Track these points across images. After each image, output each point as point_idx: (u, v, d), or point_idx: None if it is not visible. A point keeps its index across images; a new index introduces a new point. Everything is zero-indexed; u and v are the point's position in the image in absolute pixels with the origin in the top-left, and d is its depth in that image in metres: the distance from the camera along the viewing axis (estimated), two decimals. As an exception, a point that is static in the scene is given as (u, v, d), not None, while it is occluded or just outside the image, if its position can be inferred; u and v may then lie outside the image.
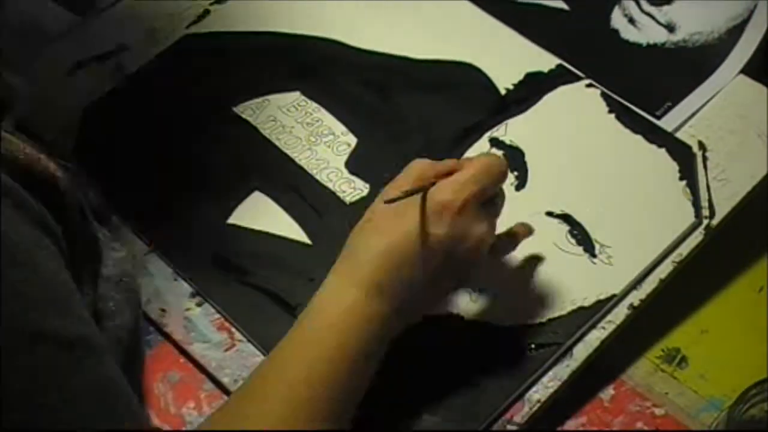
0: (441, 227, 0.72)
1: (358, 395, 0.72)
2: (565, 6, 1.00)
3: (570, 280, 0.82)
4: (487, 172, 0.74)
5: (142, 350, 0.83)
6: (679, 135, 0.90)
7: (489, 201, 0.75)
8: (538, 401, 0.78)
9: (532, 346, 0.80)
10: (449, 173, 0.74)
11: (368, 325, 0.71)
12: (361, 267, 0.72)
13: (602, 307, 0.81)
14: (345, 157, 0.91)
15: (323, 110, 0.95)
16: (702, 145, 0.89)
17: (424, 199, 0.72)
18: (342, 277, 0.73)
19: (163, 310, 0.86)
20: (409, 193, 0.71)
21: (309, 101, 0.95)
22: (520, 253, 0.83)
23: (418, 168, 0.74)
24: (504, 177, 0.75)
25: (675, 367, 0.82)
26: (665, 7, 0.98)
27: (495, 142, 0.91)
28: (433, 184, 0.73)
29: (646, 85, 0.93)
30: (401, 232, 0.72)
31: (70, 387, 0.61)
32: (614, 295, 0.81)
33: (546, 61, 0.95)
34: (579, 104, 0.92)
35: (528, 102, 0.93)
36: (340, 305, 0.71)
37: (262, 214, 0.89)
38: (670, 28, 0.96)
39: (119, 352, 0.74)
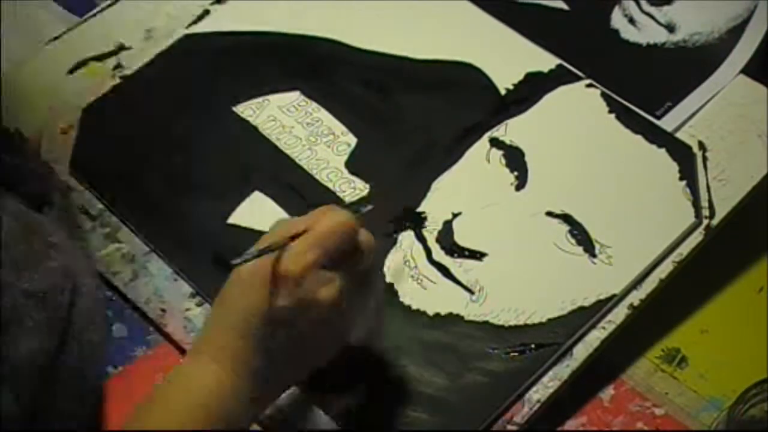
0: (282, 299, 0.69)
1: None
2: (565, 6, 1.00)
3: (570, 280, 0.82)
4: (332, 233, 0.70)
5: (94, 376, 0.80)
6: (679, 135, 0.90)
7: (346, 258, 0.71)
8: (538, 401, 0.78)
9: (532, 346, 0.80)
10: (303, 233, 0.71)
11: (227, 396, 0.70)
12: (213, 340, 0.71)
13: (602, 307, 0.81)
14: (345, 157, 0.91)
15: (323, 110, 0.95)
16: (702, 145, 0.89)
17: (276, 262, 0.69)
18: (197, 354, 0.71)
19: (163, 310, 0.86)
20: (254, 256, 0.69)
21: (309, 101, 0.95)
22: (520, 253, 0.83)
23: (276, 231, 0.72)
24: (352, 234, 0.71)
25: (675, 367, 0.82)
26: (665, 7, 0.98)
27: (495, 142, 0.91)
28: (290, 242, 0.70)
29: (646, 85, 0.93)
30: (244, 304, 0.70)
31: None
32: (614, 295, 0.81)
33: (546, 61, 0.95)
34: (579, 104, 0.92)
35: (528, 102, 0.93)
36: (199, 378, 0.70)
37: (262, 214, 0.89)
38: (670, 28, 0.96)
39: (28, 376, 0.71)
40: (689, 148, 0.89)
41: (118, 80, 0.99)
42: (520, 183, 0.88)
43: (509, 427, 0.78)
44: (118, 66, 1.00)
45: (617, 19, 0.98)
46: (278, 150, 0.92)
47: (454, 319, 0.82)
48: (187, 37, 1.02)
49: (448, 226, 0.86)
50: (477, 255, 0.84)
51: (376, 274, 0.76)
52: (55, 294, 0.75)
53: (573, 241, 0.84)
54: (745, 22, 0.95)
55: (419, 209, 0.87)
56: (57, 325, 0.75)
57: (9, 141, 0.72)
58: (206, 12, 1.04)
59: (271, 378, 0.72)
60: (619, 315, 0.81)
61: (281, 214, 0.89)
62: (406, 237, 0.86)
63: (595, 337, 0.80)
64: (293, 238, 0.70)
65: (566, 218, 0.85)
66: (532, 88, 0.94)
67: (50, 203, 0.86)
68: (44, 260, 0.77)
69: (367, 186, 0.89)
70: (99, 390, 0.81)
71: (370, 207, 0.77)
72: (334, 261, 0.71)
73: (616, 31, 0.98)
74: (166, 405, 0.70)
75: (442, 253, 0.85)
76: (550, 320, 0.81)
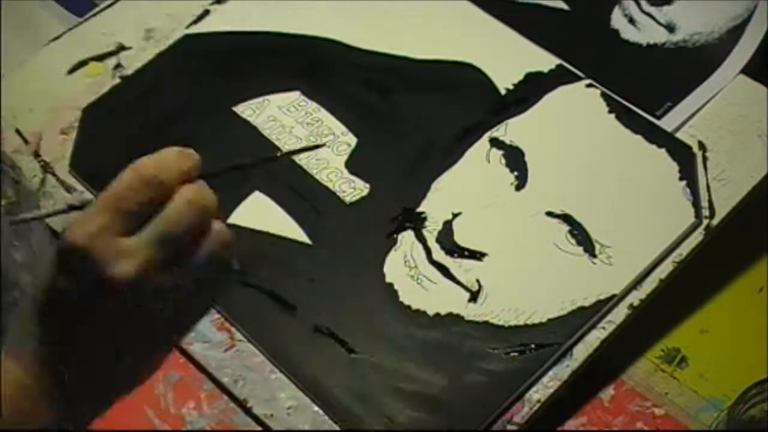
0: (67, 278, 0.56)
1: None
2: (565, 6, 1.00)
3: (570, 280, 0.82)
4: (125, 190, 0.57)
5: None
6: (679, 135, 0.90)
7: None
8: (538, 401, 0.78)
9: (532, 346, 0.80)
10: None
11: (39, 400, 0.57)
12: (12, 338, 0.58)
13: (602, 307, 0.81)
14: (345, 157, 0.91)
15: (323, 110, 0.95)
16: (702, 145, 0.89)
17: None
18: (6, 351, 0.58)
19: (163, 310, 0.86)
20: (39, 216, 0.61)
21: (309, 101, 0.95)
22: (520, 253, 0.83)
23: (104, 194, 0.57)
24: (157, 189, 0.57)
25: (675, 367, 0.82)
26: (665, 8, 0.98)
27: (495, 142, 0.90)
28: None
29: (646, 85, 0.93)
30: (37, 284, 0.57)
31: None
32: (614, 295, 0.81)
33: (546, 61, 0.95)
34: (579, 104, 0.92)
35: (528, 102, 0.93)
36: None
37: (262, 214, 0.89)
38: (671, 28, 0.96)
39: None
40: (689, 148, 0.89)
41: (118, 80, 0.99)
42: (520, 183, 0.88)
43: (509, 427, 0.78)
44: (118, 66, 1.00)
45: (617, 19, 0.98)
46: (278, 150, 0.92)
47: (454, 319, 0.82)
48: (187, 37, 1.02)
49: (448, 226, 0.86)
50: (477, 255, 0.84)
51: (223, 280, 0.62)
52: None
53: (573, 241, 0.84)
54: (745, 22, 0.95)
55: (419, 209, 0.87)
56: None
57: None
58: (206, 12, 1.04)
59: (78, 380, 0.58)
60: (619, 315, 0.81)
61: (281, 214, 0.89)
62: (406, 237, 0.86)
63: (595, 337, 0.80)
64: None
65: (566, 218, 0.85)
66: (532, 88, 0.94)
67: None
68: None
69: (367, 186, 0.89)
70: None
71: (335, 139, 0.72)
72: (140, 225, 0.56)
73: (616, 31, 0.98)
74: None
75: (442, 253, 0.85)
76: (550, 320, 0.81)
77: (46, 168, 0.94)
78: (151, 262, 0.55)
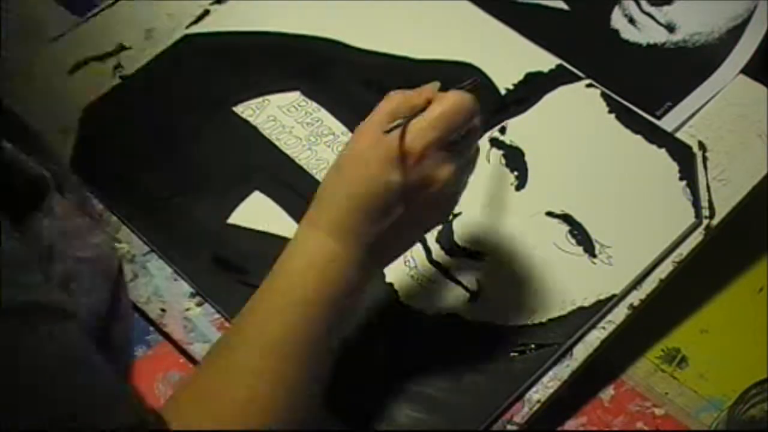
0: (398, 175, 0.70)
1: (331, 349, 0.72)
2: (565, 6, 1.00)
3: (570, 280, 0.82)
4: (454, 113, 0.72)
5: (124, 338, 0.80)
6: (679, 135, 0.90)
7: (460, 139, 0.73)
8: (538, 401, 0.78)
9: (532, 346, 0.80)
10: (424, 107, 0.72)
11: (341, 266, 0.70)
12: (328, 212, 0.71)
13: (602, 307, 0.81)
14: (345, 157, 0.91)
15: (323, 110, 0.95)
16: (702, 145, 0.89)
17: (402, 136, 0.70)
18: (311, 224, 0.72)
19: (163, 310, 0.86)
20: (398, 125, 0.70)
21: (309, 101, 0.95)
22: (520, 253, 0.83)
23: (393, 102, 0.73)
24: (472, 114, 0.73)
25: (675, 367, 0.82)
26: (665, 8, 0.98)
27: (495, 142, 0.91)
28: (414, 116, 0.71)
29: (646, 85, 0.93)
30: (365, 177, 0.70)
31: (23, 353, 0.58)
32: (614, 295, 0.81)
33: (546, 61, 0.95)
34: (579, 104, 0.92)
35: (528, 102, 0.93)
36: (315, 251, 0.71)
37: (262, 214, 0.89)
38: (671, 28, 0.96)
39: (88, 329, 0.71)
40: (689, 148, 0.89)
41: (118, 80, 0.99)
42: (520, 183, 0.88)
43: (509, 427, 0.78)
44: (118, 66, 1.00)
45: (617, 19, 0.98)
46: (278, 150, 0.92)
47: (454, 319, 0.82)
48: (187, 37, 1.02)
49: (448, 226, 0.86)
50: (477, 255, 0.84)
51: (477, 152, 0.77)
52: (103, 261, 0.77)
53: (573, 241, 0.84)
54: (745, 22, 0.95)
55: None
56: (109, 287, 0.76)
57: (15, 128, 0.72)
58: (206, 12, 1.04)
59: (383, 250, 0.73)
60: (619, 315, 0.81)
61: (281, 214, 0.89)
62: (406, 237, 0.86)
63: (595, 337, 0.80)
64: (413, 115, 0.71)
65: (566, 218, 0.85)
66: (532, 88, 0.94)
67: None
68: (89, 235, 0.77)
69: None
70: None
71: (476, 80, 0.77)
72: (451, 141, 0.72)
73: (617, 31, 0.98)
74: (281, 270, 0.71)
75: (442, 253, 0.85)
76: (550, 320, 0.81)
77: (47, 168, 0.94)
78: (458, 165, 0.73)
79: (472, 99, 0.73)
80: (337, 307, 0.70)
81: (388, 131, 0.70)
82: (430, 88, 0.74)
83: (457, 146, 0.73)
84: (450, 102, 0.72)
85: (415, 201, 0.71)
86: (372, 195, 0.70)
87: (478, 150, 0.76)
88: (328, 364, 0.71)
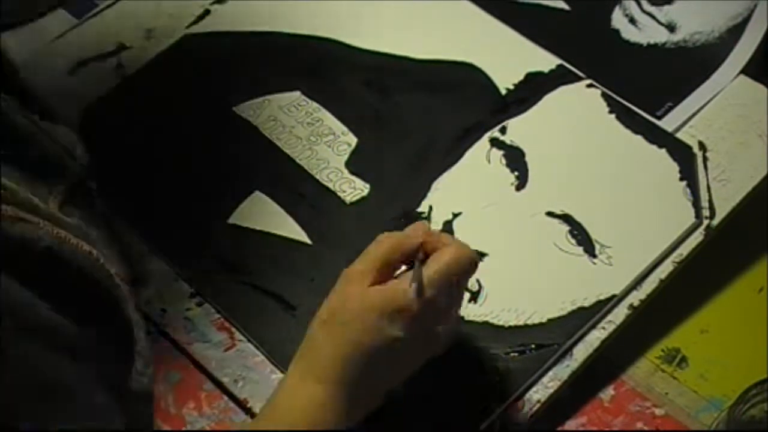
0: (397, 329, 0.69)
1: None
2: (565, 6, 1.00)
3: (570, 280, 0.82)
4: (455, 266, 0.71)
5: None
6: (679, 135, 0.90)
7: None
8: (538, 401, 0.78)
9: (532, 346, 0.80)
10: (415, 251, 0.71)
11: (332, 419, 0.70)
12: (321, 363, 0.70)
13: (602, 307, 0.81)
14: (345, 157, 0.91)
15: (323, 110, 0.95)
16: (702, 146, 0.89)
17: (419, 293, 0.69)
18: (303, 373, 0.71)
19: (164, 310, 0.86)
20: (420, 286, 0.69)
21: (309, 101, 0.95)
22: (520, 253, 0.83)
23: (383, 247, 0.71)
24: (474, 269, 0.72)
25: (675, 367, 0.82)
26: (666, 7, 0.98)
27: (495, 142, 0.91)
28: (424, 261, 0.71)
29: (647, 86, 0.93)
30: (362, 329, 0.69)
31: None
32: (614, 295, 0.81)
33: (546, 61, 0.95)
34: (579, 104, 0.92)
35: (528, 102, 0.93)
36: (303, 401, 0.70)
37: (262, 214, 0.89)
38: (671, 27, 0.96)
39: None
40: (689, 148, 0.89)
41: (118, 80, 0.99)
42: (521, 183, 0.88)
43: (509, 427, 0.77)
44: (118, 66, 1.00)
45: (618, 19, 0.98)
46: (278, 150, 0.92)
47: (454, 319, 0.82)
48: (188, 37, 1.02)
49: (448, 226, 0.86)
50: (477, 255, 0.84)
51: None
52: None
53: (573, 241, 0.84)
54: (745, 21, 0.95)
55: (419, 209, 0.88)
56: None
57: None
58: (207, 12, 1.04)
59: (369, 392, 0.72)
60: (619, 315, 0.81)
61: (281, 214, 0.89)
62: (406, 237, 0.86)
63: (595, 337, 0.80)
64: (410, 262, 0.71)
65: (566, 218, 0.85)
66: (532, 88, 0.94)
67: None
68: None
69: (368, 186, 0.89)
70: None
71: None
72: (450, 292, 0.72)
73: (617, 31, 0.97)
74: (271, 423, 0.70)
75: (442, 253, 0.85)
76: (550, 320, 0.81)
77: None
78: (454, 309, 0.73)
79: (475, 254, 0.72)
80: None
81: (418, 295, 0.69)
82: (420, 228, 0.73)
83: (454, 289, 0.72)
84: (456, 254, 0.71)
85: (412, 347, 0.71)
86: (364, 346, 0.69)
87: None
88: None
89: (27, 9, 1.02)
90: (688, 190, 0.86)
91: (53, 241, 0.60)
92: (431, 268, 0.70)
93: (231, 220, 0.89)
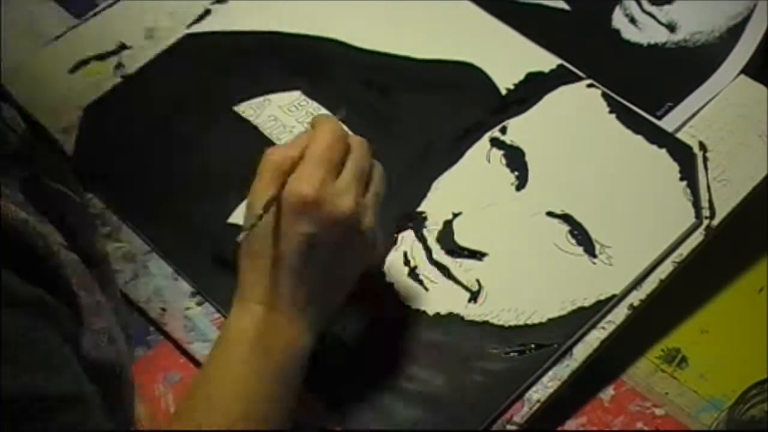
0: (308, 224, 0.71)
1: (287, 406, 0.73)
2: (566, 6, 1.00)
3: (570, 280, 0.82)
4: (330, 147, 0.72)
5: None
6: (679, 135, 0.90)
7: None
8: (538, 401, 0.78)
9: (532, 346, 0.80)
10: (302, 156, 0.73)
11: (280, 334, 0.72)
12: (253, 286, 0.72)
13: (602, 307, 0.81)
14: (345, 157, 0.91)
15: (324, 110, 0.95)
16: (702, 146, 0.89)
17: (279, 207, 0.71)
18: (241, 300, 0.73)
19: (163, 310, 0.86)
20: (261, 216, 0.71)
21: (310, 101, 0.95)
22: (520, 253, 0.84)
23: (273, 162, 0.73)
24: (345, 139, 0.74)
25: (675, 367, 0.82)
26: (666, 7, 0.98)
27: (495, 142, 0.91)
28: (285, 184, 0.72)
29: (647, 86, 0.93)
30: (273, 237, 0.71)
31: None
32: (614, 295, 0.81)
33: (547, 61, 0.95)
34: (580, 104, 0.92)
35: (528, 102, 0.93)
36: (246, 322, 0.72)
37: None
38: (671, 27, 0.96)
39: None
40: (690, 148, 0.89)
41: (119, 80, 1.00)
42: (521, 183, 0.88)
43: (509, 427, 0.78)
44: (119, 65, 1.01)
45: (618, 19, 0.98)
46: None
47: (454, 319, 0.82)
48: (189, 36, 1.02)
49: (448, 226, 0.86)
50: (477, 255, 0.84)
51: (376, 172, 0.76)
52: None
53: (573, 241, 0.84)
54: (745, 21, 0.95)
55: (419, 209, 0.88)
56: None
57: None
58: (207, 11, 1.04)
59: (311, 309, 0.73)
60: (619, 315, 0.81)
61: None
62: (407, 237, 0.86)
63: (595, 337, 0.80)
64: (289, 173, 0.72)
65: (566, 218, 0.85)
66: (532, 88, 0.94)
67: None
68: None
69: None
70: None
71: (343, 111, 0.79)
72: (338, 170, 0.72)
73: (617, 31, 0.97)
74: (219, 357, 0.72)
75: (442, 253, 0.85)
76: (550, 320, 0.81)
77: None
78: (358, 192, 0.72)
79: (339, 125, 0.74)
80: (289, 367, 0.72)
81: (248, 230, 0.71)
82: (305, 137, 0.74)
83: (344, 169, 0.73)
84: (322, 137, 0.73)
85: (328, 241, 0.72)
86: (285, 253, 0.71)
87: (380, 172, 0.76)
88: (286, 416, 0.72)
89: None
90: (688, 190, 0.86)
91: None
92: (309, 156, 0.72)
93: (231, 220, 0.89)
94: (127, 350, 0.71)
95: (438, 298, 0.83)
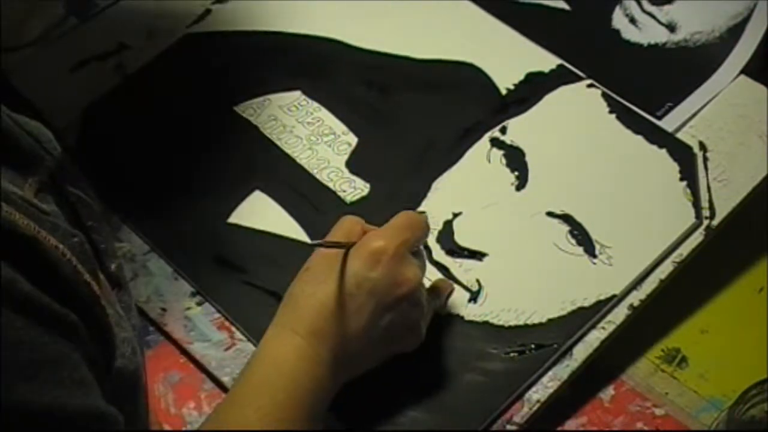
0: (376, 271, 0.73)
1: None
2: (566, 6, 1.00)
3: (570, 280, 0.82)
4: (410, 225, 0.77)
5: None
6: (679, 135, 0.90)
7: (416, 251, 0.77)
8: (538, 401, 0.78)
9: (532, 346, 0.80)
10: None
11: (312, 369, 0.72)
12: (300, 314, 0.73)
13: (602, 307, 0.81)
14: (345, 157, 0.91)
15: (324, 110, 0.95)
16: (702, 146, 0.89)
17: (346, 254, 0.74)
18: (283, 326, 0.74)
19: (164, 310, 0.86)
20: (336, 245, 0.74)
21: (310, 101, 0.95)
22: (520, 253, 0.84)
23: (347, 224, 0.77)
24: (426, 231, 0.78)
25: (675, 367, 0.82)
26: (666, 7, 0.97)
27: (495, 142, 0.91)
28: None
29: (647, 86, 0.93)
30: (335, 280, 0.73)
31: None
32: (614, 296, 0.81)
33: (547, 61, 0.95)
34: (580, 104, 0.92)
35: (528, 102, 0.93)
36: (284, 352, 0.72)
37: (262, 213, 0.89)
38: (672, 27, 0.96)
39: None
40: (690, 148, 0.89)
41: (119, 80, 0.99)
42: (520, 183, 0.88)
43: (509, 427, 0.78)
44: (119, 65, 1.00)
45: (618, 19, 0.98)
46: (279, 149, 0.92)
47: (454, 319, 0.82)
48: (189, 36, 1.02)
49: (448, 225, 0.86)
50: (477, 255, 0.84)
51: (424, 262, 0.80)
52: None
53: (573, 241, 0.84)
54: (745, 21, 0.95)
55: (419, 209, 0.87)
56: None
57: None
58: (207, 12, 1.04)
59: (344, 357, 0.74)
60: (619, 315, 0.81)
61: (282, 213, 0.89)
62: (407, 237, 0.86)
63: (595, 337, 0.80)
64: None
65: (566, 218, 0.85)
66: (532, 88, 0.94)
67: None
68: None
69: (368, 185, 0.89)
70: None
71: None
72: (413, 249, 0.76)
73: (617, 31, 0.97)
74: (251, 378, 0.73)
75: (442, 253, 0.85)
76: (550, 320, 0.81)
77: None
78: (422, 272, 0.77)
79: (425, 217, 0.79)
80: (314, 404, 0.72)
81: (318, 245, 0.75)
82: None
83: (417, 255, 0.77)
84: (407, 215, 0.78)
85: (384, 303, 0.74)
86: (344, 295, 0.73)
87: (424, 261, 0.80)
88: None
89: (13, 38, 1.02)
90: (688, 191, 0.86)
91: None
92: (392, 224, 0.77)
93: (231, 220, 0.89)
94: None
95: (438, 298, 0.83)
